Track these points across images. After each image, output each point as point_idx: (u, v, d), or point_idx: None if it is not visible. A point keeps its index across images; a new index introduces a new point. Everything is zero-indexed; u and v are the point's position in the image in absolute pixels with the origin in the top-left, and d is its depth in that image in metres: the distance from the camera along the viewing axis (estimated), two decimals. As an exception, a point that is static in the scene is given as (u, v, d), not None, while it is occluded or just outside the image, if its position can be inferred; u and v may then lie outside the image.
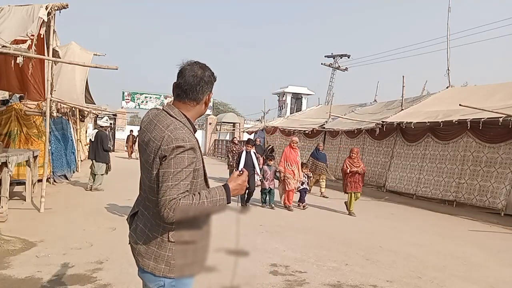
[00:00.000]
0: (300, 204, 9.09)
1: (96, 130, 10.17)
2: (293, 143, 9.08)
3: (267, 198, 8.91)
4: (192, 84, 1.80)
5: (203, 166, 1.86)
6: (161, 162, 1.68)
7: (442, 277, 4.62)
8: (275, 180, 9.00)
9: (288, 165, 8.82)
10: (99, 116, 18.74)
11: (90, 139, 10.14)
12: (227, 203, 1.74)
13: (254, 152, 8.57)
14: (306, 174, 9.52)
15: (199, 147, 1.81)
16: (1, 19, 6.72)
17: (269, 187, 8.82)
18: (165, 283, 1.80)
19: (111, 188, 9.86)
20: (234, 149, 13.00)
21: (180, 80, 1.82)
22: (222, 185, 1.77)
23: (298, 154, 9.02)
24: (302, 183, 9.16)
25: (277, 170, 8.96)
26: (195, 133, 1.87)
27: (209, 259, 1.93)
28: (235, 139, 14.34)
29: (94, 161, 9.68)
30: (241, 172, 1.88)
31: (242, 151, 8.56)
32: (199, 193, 1.71)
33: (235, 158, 12.65)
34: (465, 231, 7.76)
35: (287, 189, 8.78)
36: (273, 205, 8.84)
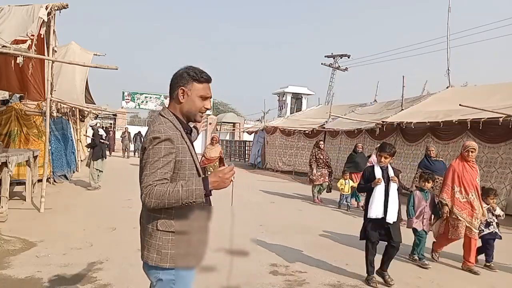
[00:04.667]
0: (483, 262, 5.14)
1: (103, 131, 10.36)
2: (469, 150, 5.00)
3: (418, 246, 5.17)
4: (171, 84, 1.99)
5: (194, 160, 1.93)
6: (143, 154, 1.85)
7: (442, 277, 4.62)
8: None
9: (461, 191, 4.95)
10: (98, 116, 18.80)
11: (100, 140, 10.02)
12: (205, 194, 1.76)
13: (394, 168, 4.54)
14: (492, 208, 5.21)
15: (190, 143, 1.95)
16: (1, 19, 6.72)
17: (423, 229, 5.15)
18: (163, 277, 1.86)
19: (111, 188, 9.86)
20: (322, 156, 9.85)
21: None
22: (202, 177, 1.85)
23: (477, 172, 5.08)
24: (488, 224, 5.09)
25: (438, 200, 5.20)
26: (191, 131, 2.04)
27: (207, 255, 1.98)
28: (321, 143, 10.20)
29: (101, 160, 9.86)
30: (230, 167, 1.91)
31: (372, 167, 4.56)
32: (177, 182, 1.79)
33: (322, 169, 9.73)
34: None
35: (449, 236, 5.03)
36: (423, 259, 5.06)
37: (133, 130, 25.52)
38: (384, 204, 4.19)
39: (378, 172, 4.35)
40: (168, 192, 1.72)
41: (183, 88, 1.93)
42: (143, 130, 24.66)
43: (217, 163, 10.29)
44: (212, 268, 4.24)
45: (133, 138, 23.95)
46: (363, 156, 9.80)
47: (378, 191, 4.23)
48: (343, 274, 4.51)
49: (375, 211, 4.18)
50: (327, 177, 9.79)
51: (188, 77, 1.93)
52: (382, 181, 4.26)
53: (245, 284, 4.01)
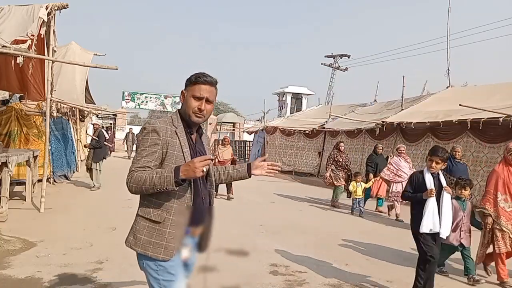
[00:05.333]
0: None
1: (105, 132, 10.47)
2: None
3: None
4: None
5: (184, 156, 1.99)
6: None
7: (442, 277, 4.61)
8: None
9: (506, 199, 4.39)
10: (98, 116, 18.73)
11: (104, 142, 10.23)
12: (176, 181, 1.84)
13: (446, 175, 4.22)
14: None
15: (192, 141, 2.07)
16: (1, 19, 6.73)
17: (460, 243, 4.50)
18: (147, 266, 1.96)
19: (111, 188, 9.85)
20: (341, 159, 9.46)
21: None
22: (175, 166, 1.91)
23: None
24: None
25: (478, 210, 4.56)
26: (194, 129, 2.12)
27: (180, 250, 1.99)
28: (341, 145, 9.82)
29: (102, 160, 9.97)
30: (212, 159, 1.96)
31: (421, 174, 3.94)
32: (155, 170, 1.92)
33: (340, 172, 9.29)
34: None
35: (496, 250, 4.37)
36: (442, 267, 4.68)
37: (136, 130, 25.41)
38: (437, 216, 3.69)
39: (429, 181, 3.77)
40: (144, 178, 1.86)
41: (182, 90, 2.11)
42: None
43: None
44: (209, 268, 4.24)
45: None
46: (382, 158, 9.58)
47: (431, 203, 3.69)
48: (343, 274, 4.50)
49: (428, 225, 3.64)
50: (342, 180, 9.33)
51: (187, 80, 2.09)
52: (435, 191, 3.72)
53: (245, 284, 4.01)
